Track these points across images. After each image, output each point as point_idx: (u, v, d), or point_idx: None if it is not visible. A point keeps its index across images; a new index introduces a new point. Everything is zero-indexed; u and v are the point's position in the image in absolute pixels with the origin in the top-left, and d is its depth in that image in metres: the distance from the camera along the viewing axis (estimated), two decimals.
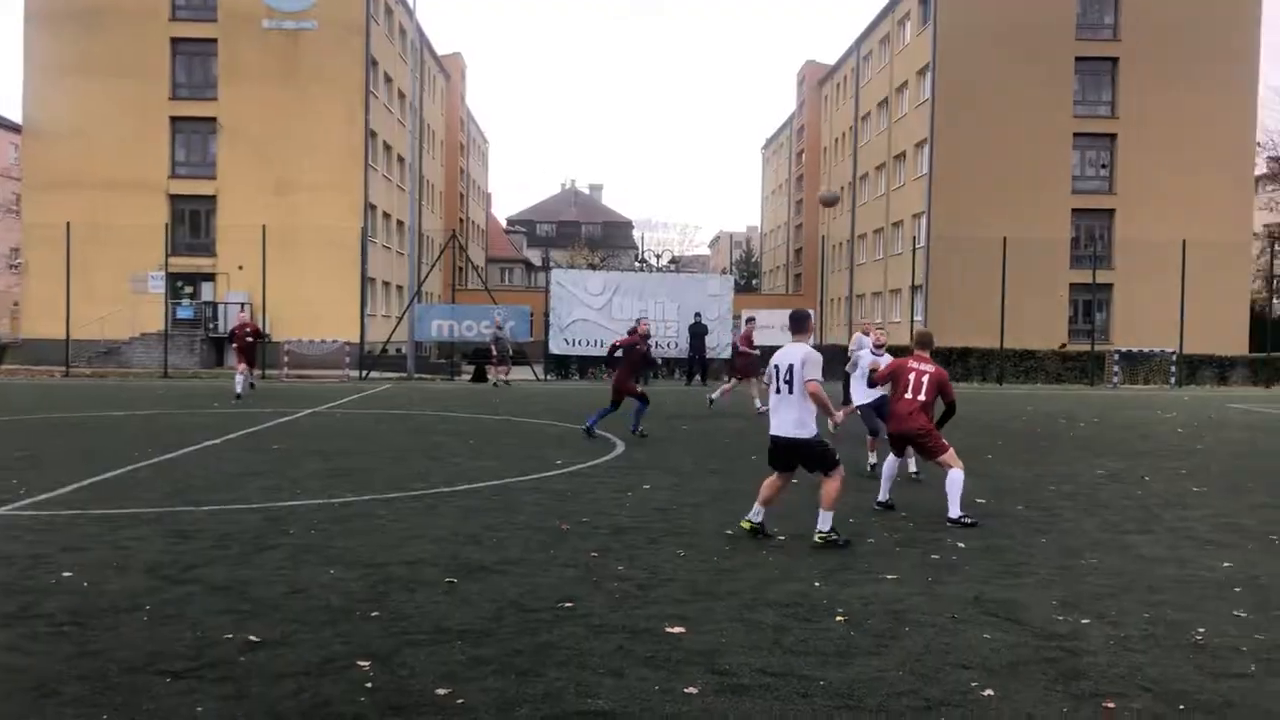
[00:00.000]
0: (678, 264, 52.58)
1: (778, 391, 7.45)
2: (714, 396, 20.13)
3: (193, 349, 35.75)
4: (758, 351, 20.40)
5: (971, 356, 32.76)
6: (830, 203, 8.63)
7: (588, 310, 29.05)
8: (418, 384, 28.34)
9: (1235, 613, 5.80)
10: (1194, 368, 32.76)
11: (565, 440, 14.19)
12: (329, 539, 7.45)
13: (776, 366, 7.45)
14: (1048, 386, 31.02)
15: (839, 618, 5.59)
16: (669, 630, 5.30)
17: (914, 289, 42.48)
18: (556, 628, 5.32)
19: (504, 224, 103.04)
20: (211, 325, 37.25)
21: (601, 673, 4.64)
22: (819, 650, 5.01)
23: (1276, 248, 48.25)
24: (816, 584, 6.33)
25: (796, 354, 7.37)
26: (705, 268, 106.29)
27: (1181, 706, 4.33)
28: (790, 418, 7.38)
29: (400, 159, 47.11)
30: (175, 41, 39.29)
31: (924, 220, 44.29)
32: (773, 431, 7.54)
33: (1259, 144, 44.76)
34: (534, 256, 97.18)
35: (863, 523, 8.37)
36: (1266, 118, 45.20)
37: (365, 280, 34.60)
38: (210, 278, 38.70)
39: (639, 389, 15.38)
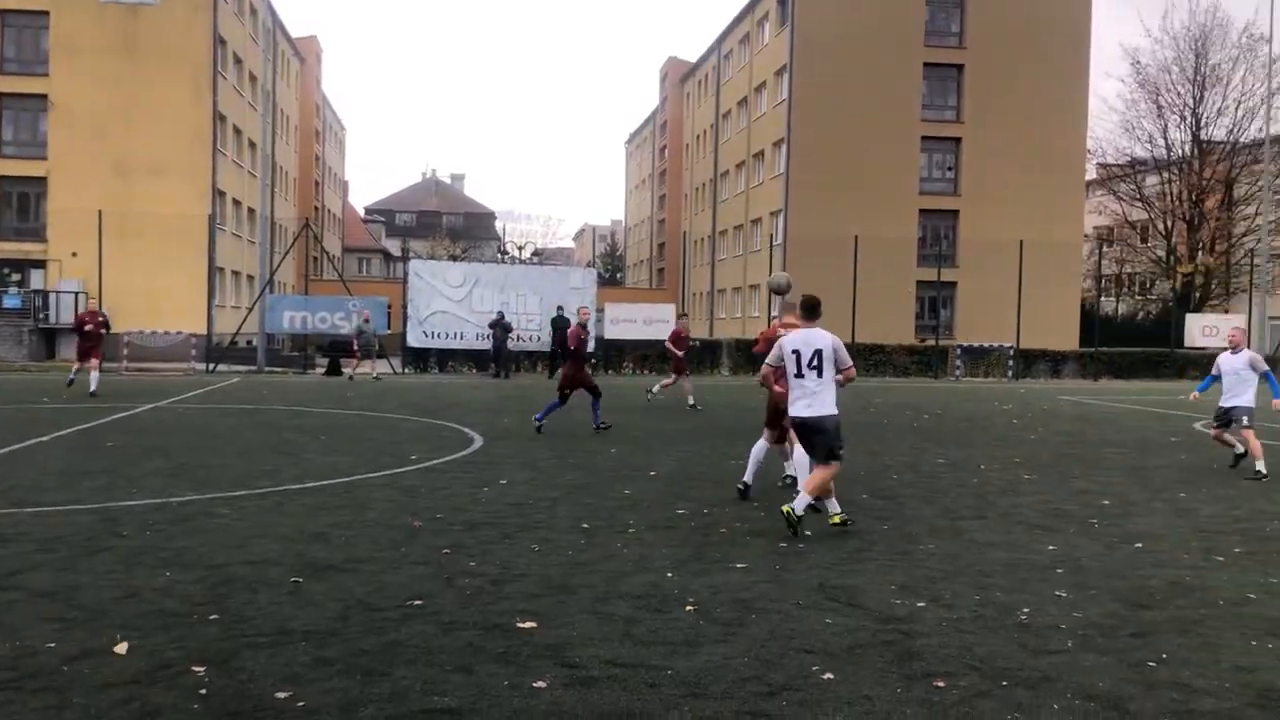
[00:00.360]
0: (540, 256, 52.31)
1: (799, 375, 7.63)
2: (654, 390, 19.94)
3: (21, 340, 33.58)
4: (689, 347, 20.26)
5: None
6: (780, 290, 8.84)
7: (447, 302, 28.63)
8: (268, 378, 27.38)
9: (1057, 593, 6.16)
10: (1030, 362, 34.66)
11: (421, 435, 13.96)
12: (167, 540, 7.13)
13: (798, 351, 7.62)
14: (896, 379, 32.28)
15: (689, 607, 5.69)
16: (520, 625, 5.28)
17: None
18: (405, 626, 5.23)
19: (362, 213, 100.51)
20: (42, 315, 35.07)
21: (450, 670, 4.59)
22: (668, 640, 5.08)
23: (1104, 249, 51.48)
24: (669, 575, 6.42)
25: (824, 340, 7.63)
26: (569, 261, 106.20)
27: (1005, 683, 4.57)
28: (827, 398, 7.65)
29: (251, 144, 45.37)
30: (3, 14, 36.80)
31: (781, 218, 45.40)
32: (806, 414, 7.70)
33: (1089, 151, 47.58)
34: (393, 247, 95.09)
35: (715, 513, 8.53)
36: (1096, 126, 48.06)
37: (213, 269, 33.14)
38: (41, 265, 36.46)
39: (592, 380, 15.16)
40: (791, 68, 44.65)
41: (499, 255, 60.48)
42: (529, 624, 5.31)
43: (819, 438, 7.74)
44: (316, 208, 64.94)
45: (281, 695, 4.24)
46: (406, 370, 29.52)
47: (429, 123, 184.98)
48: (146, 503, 8.52)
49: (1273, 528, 8.39)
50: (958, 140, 44.97)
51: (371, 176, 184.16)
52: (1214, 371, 11.97)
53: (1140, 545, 7.60)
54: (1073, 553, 7.30)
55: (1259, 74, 42.43)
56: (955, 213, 44.95)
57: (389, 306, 30.34)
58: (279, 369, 30.77)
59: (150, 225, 34.84)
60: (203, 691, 4.27)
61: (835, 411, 7.76)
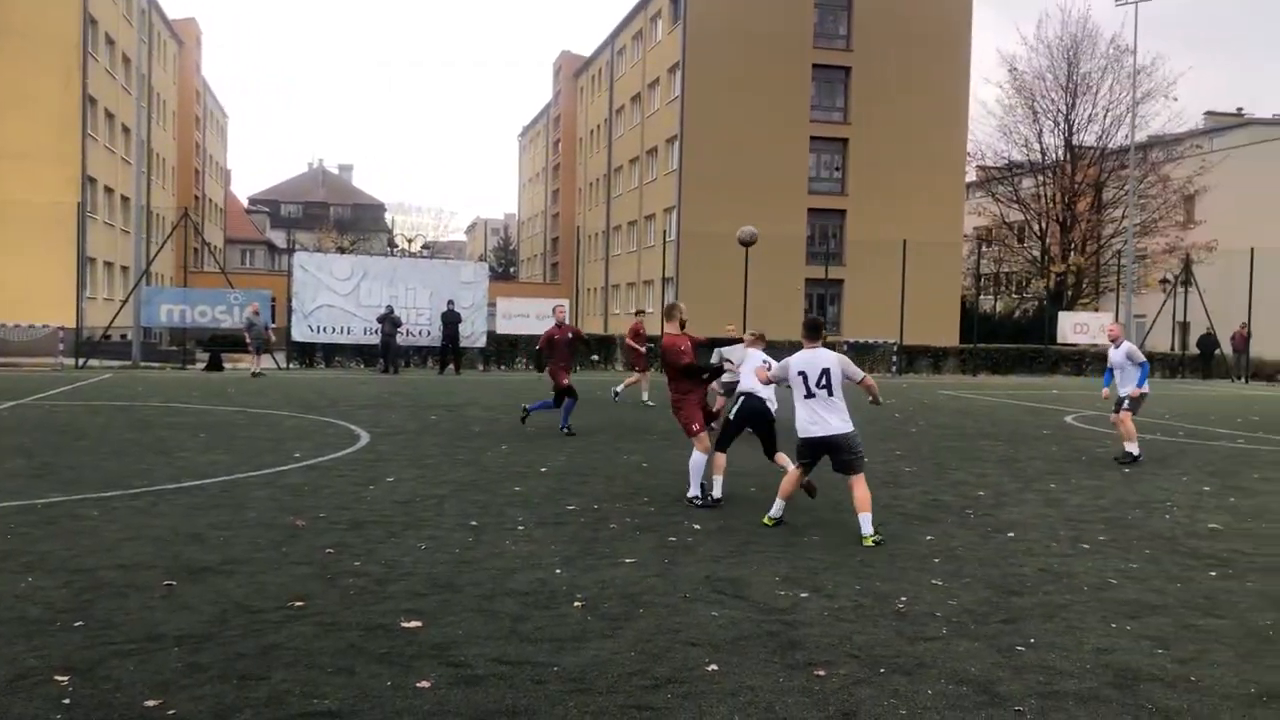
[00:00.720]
0: (431, 250, 51.50)
1: (809, 396, 7.74)
2: (618, 390, 19.46)
3: None
4: (645, 348, 19.85)
5: (719, 346, 34.12)
6: (748, 241, 8.99)
7: (334, 296, 27.92)
8: (144, 373, 26.29)
9: (933, 582, 6.37)
10: (913, 358, 35.71)
11: (305, 432, 13.61)
12: (29, 543, 6.79)
13: (804, 373, 7.74)
14: None
15: (577, 603, 5.69)
16: (405, 625, 5.21)
17: (665, 281, 43.78)
18: (285, 628, 5.10)
19: (245, 204, 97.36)
20: None
21: (330, 672, 4.49)
22: (555, 637, 5.08)
23: (984, 249, 53.35)
24: (558, 571, 6.41)
25: (829, 359, 7.78)
26: (461, 254, 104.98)
27: (882, 670, 4.71)
28: (837, 417, 7.72)
29: (126, 129, 43.46)
30: None
31: (675, 214, 45.74)
32: (815, 434, 7.75)
33: (969, 154, 49.22)
34: (278, 238, 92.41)
35: (605, 509, 8.55)
36: (976, 130, 49.81)
37: (83, 259, 31.60)
38: None
39: (567, 382, 13.97)
40: (684, 65, 45.01)
41: (388, 248, 59.33)
42: (414, 623, 5.23)
43: (837, 455, 7.74)
44: (197, 197, 62.62)
45: (151, 704, 4.09)
46: (291, 366, 28.72)
47: (316, 111, 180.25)
48: (7, 505, 8.10)
49: (1134, 516, 8.83)
50: (845, 141, 46.01)
51: (255, 166, 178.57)
52: (1109, 366, 12.87)
53: (1012, 534, 7.91)
54: (949, 542, 7.55)
55: (1125, 84, 44.58)
56: (843, 212, 46.00)
57: (273, 300, 29.47)
58: (155, 364, 29.58)
59: (15, 213, 33.08)
60: (66, 701, 4.09)
61: (848, 429, 7.74)
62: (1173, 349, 39.67)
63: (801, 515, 8.43)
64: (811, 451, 7.86)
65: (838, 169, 46.63)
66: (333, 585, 5.95)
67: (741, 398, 9.11)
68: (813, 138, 45.55)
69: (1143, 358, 12.47)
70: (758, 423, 9.09)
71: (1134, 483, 10.73)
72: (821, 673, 4.64)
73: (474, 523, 7.83)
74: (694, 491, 8.81)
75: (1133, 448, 12.07)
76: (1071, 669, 4.79)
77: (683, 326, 9.39)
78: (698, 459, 8.89)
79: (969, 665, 4.80)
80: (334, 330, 28.16)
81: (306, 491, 9.02)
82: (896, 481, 10.45)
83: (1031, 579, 6.52)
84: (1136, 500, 9.65)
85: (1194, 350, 37.44)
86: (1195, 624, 5.60)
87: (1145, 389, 12.39)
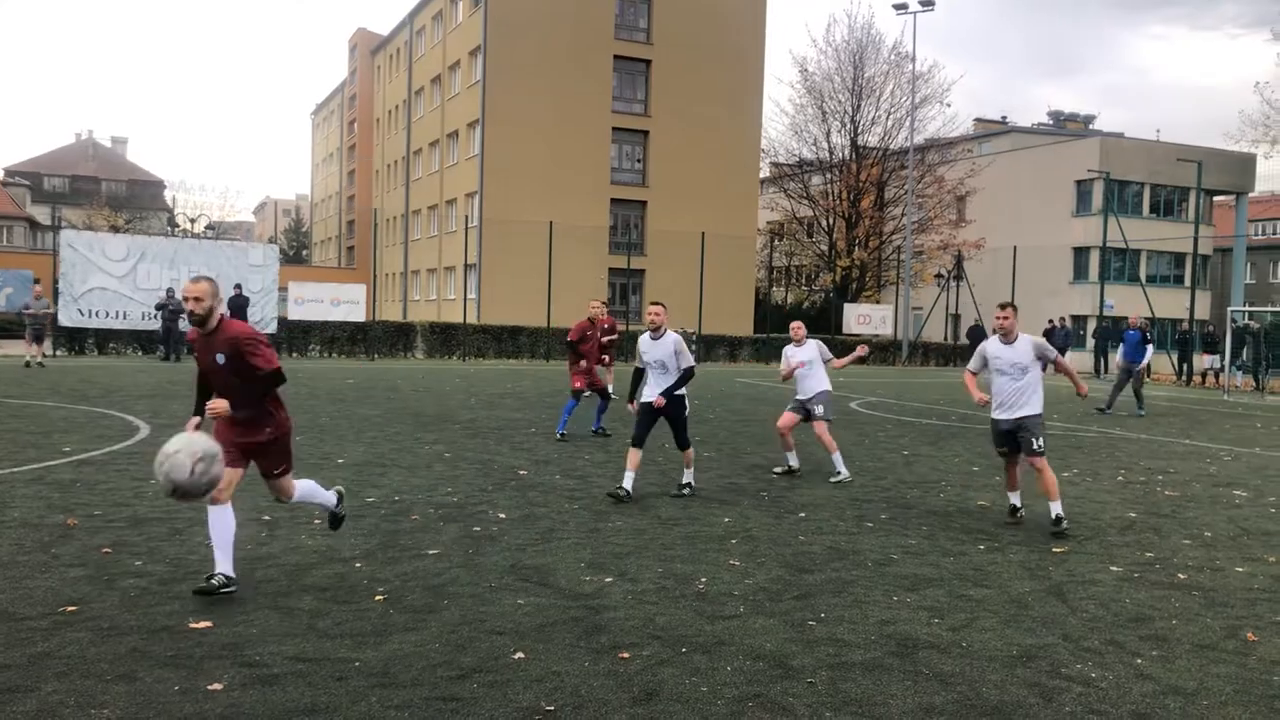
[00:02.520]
0: (216, 230, 48.72)
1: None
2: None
3: None
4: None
5: (521, 334, 34.04)
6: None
7: (107, 278, 25.98)
8: None
9: (731, 562, 6.61)
10: (710, 346, 36.79)
11: (76, 424, 12.63)
12: None
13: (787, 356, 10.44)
14: None
15: (378, 597, 5.57)
16: (193, 626, 4.94)
17: (468, 267, 43.21)
18: (55, 635, 4.73)
19: (0, 175, 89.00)
20: None
21: (110, 679, 4.21)
22: (356, 632, 4.95)
23: (775, 243, 55.53)
24: (357, 565, 6.25)
25: (815, 346, 10.42)
26: (249, 236, 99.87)
27: (684, 650, 4.85)
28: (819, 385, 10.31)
29: None
30: None
31: (477, 200, 45.18)
32: (800, 396, 10.32)
33: (763, 150, 51.07)
34: (40, 214, 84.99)
35: (407, 500, 8.38)
36: (769, 127, 51.66)
37: None
38: None
39: (579, 385, 13.10)
40: (485, 49, 44.48)
41: (168, 228, 55.80)
42: (203, 624, 4.98)
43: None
44: None
45: None
46: (59, 353, 26.54)
47: (85, 79, 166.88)
48: None
49: (912, 495, 9.46)
50: (646, 133, 46.76)
51: (12, 134, 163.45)
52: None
53: (803, 515, 8.31)
54: (745, 524, 7.85)
55: (905, 88, 47.39)
56: (644, 203, 46.75)
57: (36, 281, 27.13)
58: None
59: None
60: None
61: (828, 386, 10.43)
62: (946, 339, 42.65)
63: (605, 502, 8.55)
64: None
65: (639, 160, 47.34)
66: (110, 587, 5.57)
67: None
68: (615, 128, 46.03)
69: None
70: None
71: (912, 464, 11.48)
72: (626, 655, 4.74)
73: (266, 517, 7.51)
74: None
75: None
76: (858, 640, 5.09)
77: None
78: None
79: (765, 641, 5.02)
80: (108, 315, 26.23)
81: (79, 488, 8.39)
82: (696, 465, 10.74)
83: (821, 557, 6.87)
84: (914, 480, 10.34)
85: (965, 341, 40.33)
86: (967, 594, 6.06)
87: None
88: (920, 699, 4.33)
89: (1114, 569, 6.79)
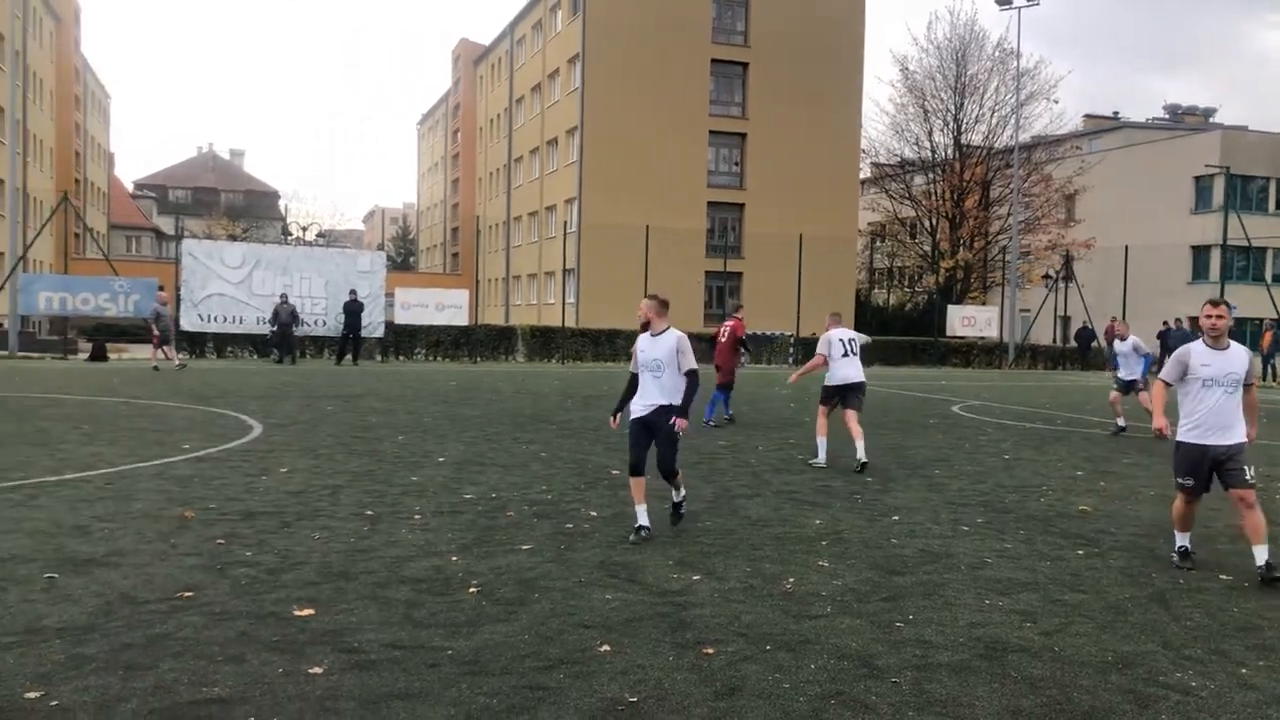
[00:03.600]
0: (326, 238, 50.42)
1: (845, 355, 11.47)
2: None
3: None
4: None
5: (619, 337, 34.30)
6: None
7: (225, 284, 27.17)
8: (21, 363, 25.17)
9: (820, 563, 6.61)
10: (809, 349, 36.42)
11: (195, 423, 13.26)
12: None
13: (843, 340, 11.56)
14: None
15: (472, 589, 5.74)
16: (297, 613, 5.18)
17: (567, 272, 43.78)
18: (172, 619, 5.03)
19: (130, 188, 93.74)
20: None
21: (221, 660, 4.46)
22: (450, 622, 5.12)
23: (877, 244, 54.76)
24: (453, 558, 6.44)
25: (851, 332, 11.84)
26: (359, 243, 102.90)
27: (768, 647, 4.89)
28: (858, 369, 11.56)
29: None
30: None
31: (576, 205, 45.73)
32: (851, 379, 11.44)
33: (863, 151, 50.43)
34: (166, 225, 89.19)
35: (503, 497, 8.59)
36: (869, 127, 50.95)
37: None
38: None
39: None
40: (583, 57, 45.00)
41: (282, 237, 57.88)
42: (306, 611, 5.22)
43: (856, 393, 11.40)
44: (78, 180, 60.07)
45: (32, 695, 4.01)
46: (181, 356, 27.81)
47: (206, 94, 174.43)
48: None
49: (1010, 499, 9.26)
50: (743, 136, 46.65)
51: (141, 149, 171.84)
52: (1116, 354, 15.57)
53: (896, 518, 8.23)
54: (836, 526, 7.82)
55: (1010, 85, 46.24)
56: (741, 206, 46.65)
57: (160, 288, 28.50)
58: (34, 354, 28.32)
59: None
60: None
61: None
62: (1054, 341, 41.43)
63: (695, 503, 8.61)
64: (847, 390, 11.46)
65: (736, 163, 47.25)
66: (223, 575, 5.87)
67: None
68: (711, 132, 46.07)
69: (1147, 350, 15.32)
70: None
71: (1013, 468, 11.23)
72: (710, 651, 4.80)
73: (370, 512, 7.79)
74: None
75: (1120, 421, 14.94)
76: (945, 642, 5.04)
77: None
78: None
79: (850, 641, 5.02)
80: (225, 319, 27.41)
81: (197, 483, 8.83)
82: (789, 468, 10.74)
83: (913, 559, 6.81)
84: (1014, 484, 10.12)
85: (1073, 343, 39.12)
86: (1061, 599, 5.94)
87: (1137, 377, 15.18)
88: (1007, 701, 4.28)
89: (1223, 577, 6.55)
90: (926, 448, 12.88)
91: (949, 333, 38.13)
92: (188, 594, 5.47)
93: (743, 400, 19.55)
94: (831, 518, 8.15)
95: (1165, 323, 35.04)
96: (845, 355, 11.45)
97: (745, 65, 46.45)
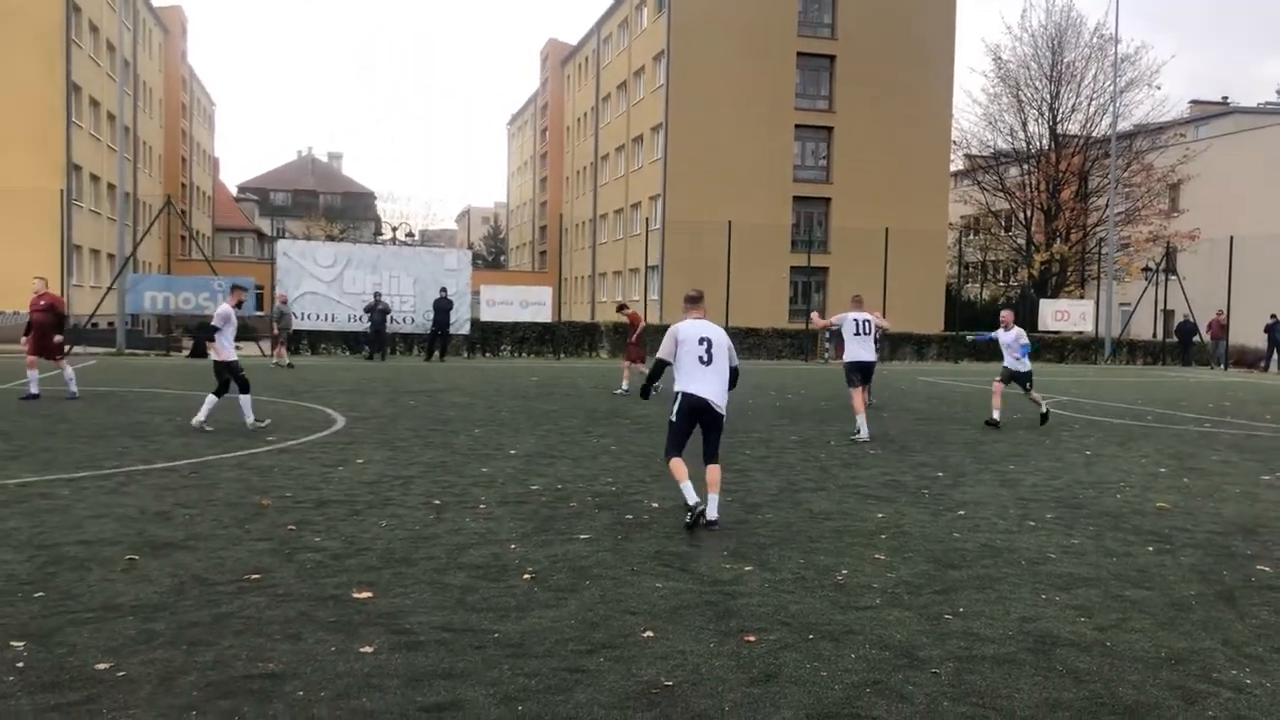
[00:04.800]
0: (414, 237, 51.49)
1: (858, 334, 12.62)
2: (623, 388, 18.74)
3: None
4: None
5: None
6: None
7: (317, 283, 28.04)
8: (128, 359, 26.40)
9: (876, 556, 6.57)
10: (896, 344, 35.95)
11: (282, 416, 13.76)
12: None
13: (857, 320, 12.68)
14: (768, 361, 33.08)
15: (526, 576, 5.88)
16: (355, 596, 5.39)
17: (650, 269, 43.95)
18: (238, 599, 5.28)
19: (234, 192, 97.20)
20: None
21: (278, 639, 4.67)
22: (500, 607, 5.27)
23: (969, 237, 53.55)
24: (512, 546, 6.60)
25: (868, 315, 12.88)
26: (452, 243, 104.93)
27: (811, 636, 4.90)
28: (872, 350, 12.81)
29: (111, 116, 43.40)
30: None
31: (660, 202, 45.85)
32: (863, 359, 12.70)
33: (955, 143, 49.39)
34: (267, 227, 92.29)
35: (568, 488, 8.73)
36: (961, 119, 49.90)
37: (68, 246, 31.63)
38: None
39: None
40: (669, 54, 45.07)
41: (374, 237, 59.35)
42: (365, 594, 5.42)
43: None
44: (184, 185, 62.55)
45: (101, 667, 4.27)
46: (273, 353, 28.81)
47: (304, 100, 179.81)
48: None
49: (1085, 495, 9.05)
50: (830, 129, 46.16)
51: (244, 154, 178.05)
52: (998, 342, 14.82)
53: (962, 513, 8.11)
54: (898, 520, 7.75)
55: (1109, 73, 44.78)
56: (828, 200, 46.17)
57: (259, 287, 29.54)
58: (140, 351, 29.67)
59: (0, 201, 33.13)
60: (20, 665, 4.26)
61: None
62: (1155, 336, 40.01)
63: (759, 495, 8.63)
64: (863, 370, 12.70)
65: (823, 157, 46.78)
66: (290, 560, 6.12)
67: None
68: (798, 126, 45.69)
69: (1026, 341, 14.47)
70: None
71: (1093, 464, 10.95)
72: (752, 638, 4.84)
73: (437, 502, 8.01)
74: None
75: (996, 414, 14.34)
76: (993, 635, 4.99)
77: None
78: None
79: (895, 632, 5.00)
80: (318, 317, 28.28)
81: (276, 473, 9.19)
82: (858, 463, 10.65)
83: (972, 554, 6.72)
84: (1091, 481, 9.87)
85: (1173, 338, 37.73)
86: (1122, 595, 5.81)
87: (1026, 366, 14.45)
88: (1048, 694, 4.23)
89: None
90: (1005, 443, 12.63)
91: (1041, 327, 37.13)
92: (255, 576, 5.73)
93: (822, 396, 19.41)
94: (895, 512, 8.08)
95: (1274, 315, 33.57)
96: (858, 334, 12.67)
97: (832, 58, 45.96)
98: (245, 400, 12.34)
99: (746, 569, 6.16)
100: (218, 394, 12.17)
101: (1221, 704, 4.19)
